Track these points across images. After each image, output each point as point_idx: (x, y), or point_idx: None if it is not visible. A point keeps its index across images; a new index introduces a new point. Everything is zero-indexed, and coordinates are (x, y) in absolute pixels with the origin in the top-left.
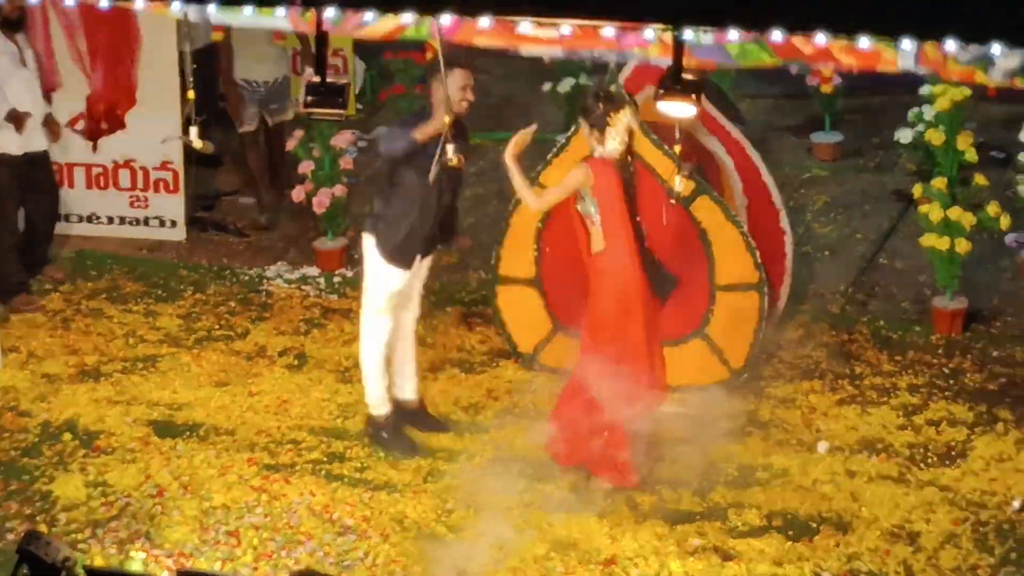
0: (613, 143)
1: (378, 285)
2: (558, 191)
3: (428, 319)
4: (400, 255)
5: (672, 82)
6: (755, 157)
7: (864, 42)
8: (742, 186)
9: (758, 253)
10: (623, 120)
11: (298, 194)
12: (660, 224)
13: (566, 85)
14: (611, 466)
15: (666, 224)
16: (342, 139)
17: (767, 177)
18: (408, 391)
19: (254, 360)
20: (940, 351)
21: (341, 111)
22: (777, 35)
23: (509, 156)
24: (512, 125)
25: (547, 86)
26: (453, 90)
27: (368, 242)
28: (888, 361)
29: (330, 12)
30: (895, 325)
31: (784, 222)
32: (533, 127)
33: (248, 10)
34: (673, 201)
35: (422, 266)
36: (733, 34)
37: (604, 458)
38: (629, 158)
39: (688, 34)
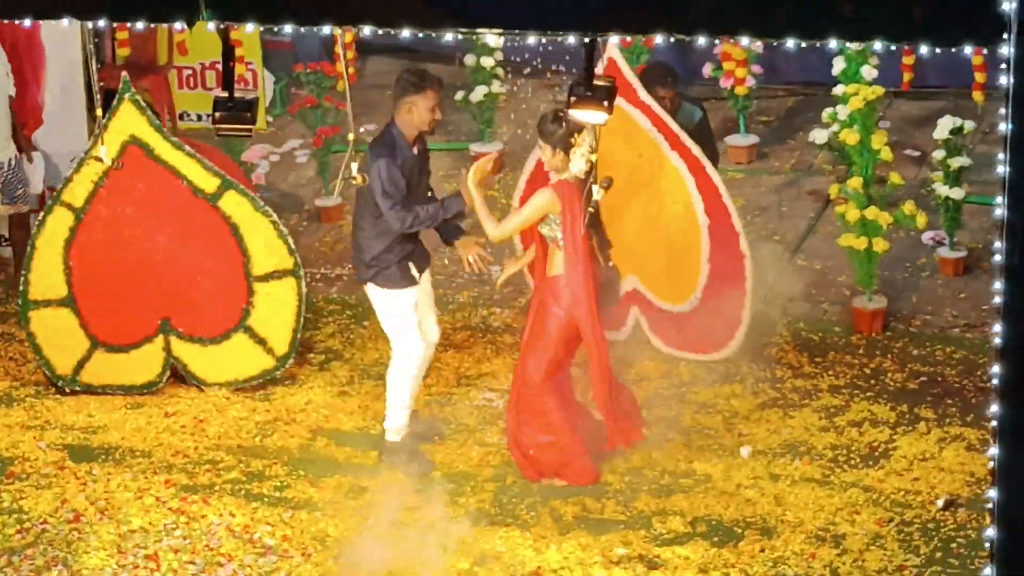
0: (578, 164)
1: (398, 319)
2: (520, 219)
3: (346, 333)
4: (403, 276)
5: (584, 88)
6: (715, 178)
7: (790, 43)
8: (703, 206)
9: (290, 239)
10: (587, 139)
11: None
12: (185, 224)
13: (478, 94)
14: (574, 470)
15: (192, 222)
16: (253, 154)
17: (727, 199)
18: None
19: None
20: (860, 351)
21: (251, 126)
22: (700, 40)
23: (471, 183)
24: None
25: (459, 95)
26: (423, 111)
27: (373, 292)
28: (809, 363)
29: (248, 27)
30: (815, 326)
31: (744, 245)
32: (494, 155)
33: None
34: (591, 210)
35: (425, 280)
36: (658, 39)
37: (564, 465)
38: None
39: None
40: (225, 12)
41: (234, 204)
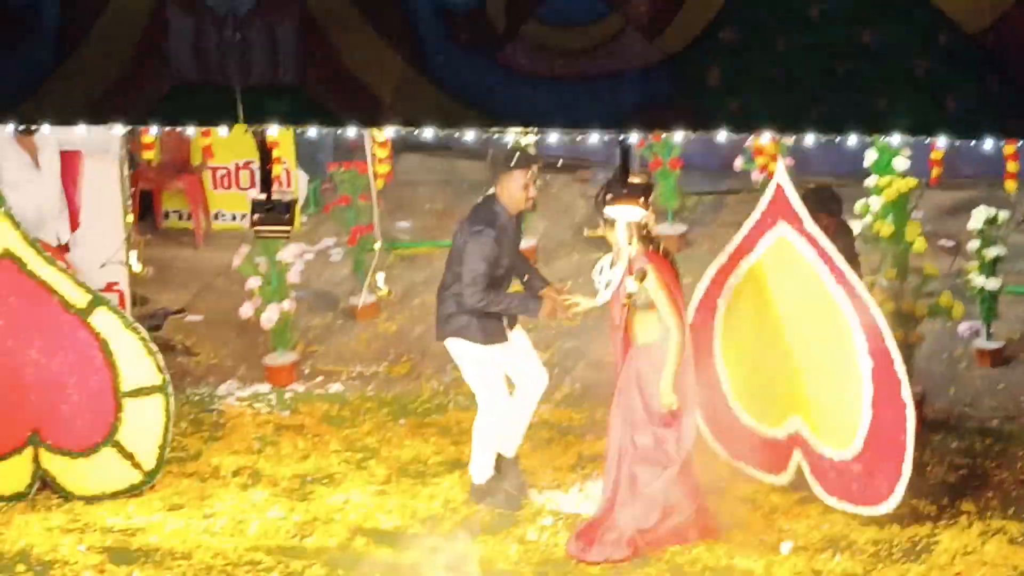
0: (620, 232)
1: (485, 375)
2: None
3: (382, 431)
4: (484, 331)
5: (620, 186)
6: (879, 318)
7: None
8: (867, 347)
9: (160, 356)
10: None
11: (246, 311)
12: (56, 339)
13: None
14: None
15: (63, 337)
16: (289, 253)
17: (891, 342)
18: (510, 449)
19: (208, 481)
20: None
21: (288, 227)
22: (722, 135)
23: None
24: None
25: (492, 191)
26: (515, 189)
27: (455, 346)
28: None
29: (273, 129)
30: None
31: (906, 393)
32: (565, 297)
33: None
34: (625, 300)
35: (518, 334)
36: (678, 136)
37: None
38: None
39: (633, 138)
40: (257, 116)
41: (105, 319)
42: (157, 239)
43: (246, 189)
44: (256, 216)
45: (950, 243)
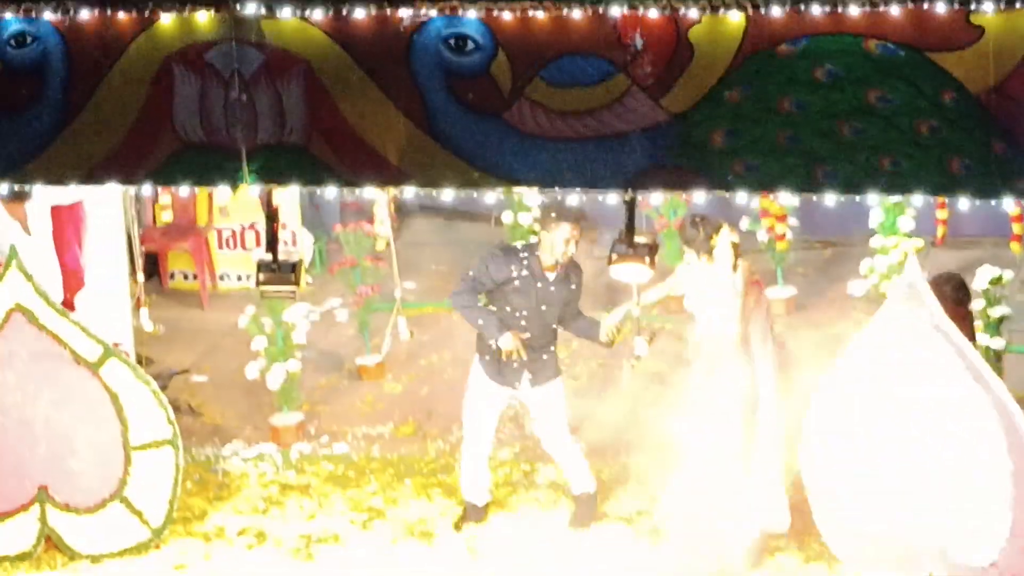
0: (722, 261)
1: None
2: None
3: (388, 491)
4: (482, 368)
5: (626, 246)
6: (1017, 415)
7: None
8: (1006, 445)
9: (170, 410)
10: (724, 237)
11: (251, 371)
12: (65, 392)
13: None
14: None
15: (73, 390)
16: (294, 313)
17: None
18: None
19: (213, 541)
20: None
21: (294, 287)
22: (742, 196)
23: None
24: None
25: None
26: (558, 241)
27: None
28: None
29: (292, 190)
30: None
31: None
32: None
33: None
34: (633, 362)
35: (533, 395)
36: (699, 195)
37: None
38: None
39: (655, 199)
40: (267, 175)
41: (116, 372)
42: (162, 300)
43: (250, 250)
44: (262, 276)
45: None
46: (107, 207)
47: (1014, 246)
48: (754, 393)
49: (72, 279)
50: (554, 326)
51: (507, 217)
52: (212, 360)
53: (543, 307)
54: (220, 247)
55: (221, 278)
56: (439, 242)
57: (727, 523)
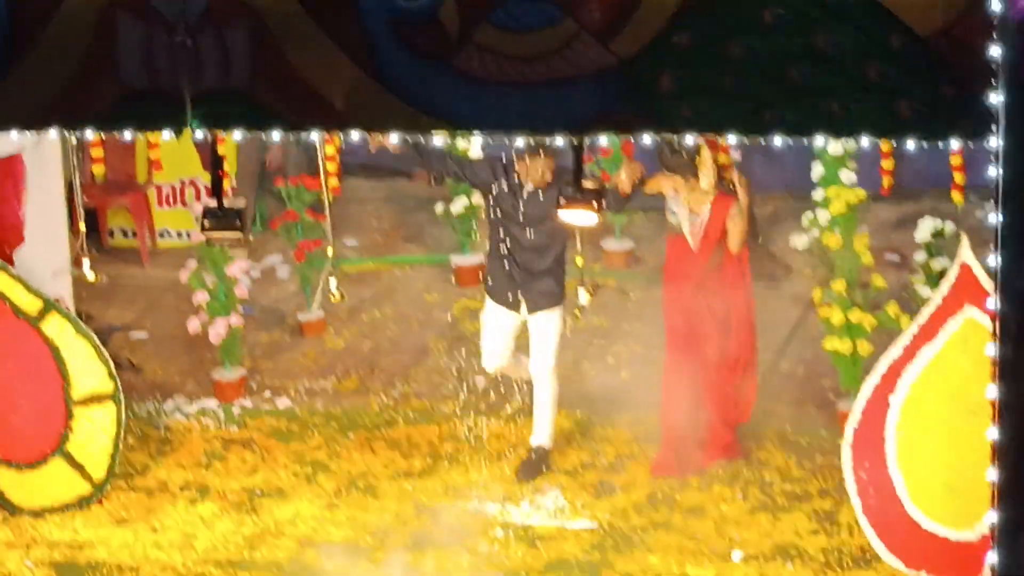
0: (706, 180)
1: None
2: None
3: (332, 444)
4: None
5: (574, 190)
6: None
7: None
8: None
9: (111, 364)
10: (707, 157)
11: (193, 325)
12: (5, 346)
13: (459, 206)
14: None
15: (13, 344)
16: (236, 268)
17: None
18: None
19: (155, 496)
20: None
21: (239, 233)
22: (689, 139)
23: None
24: (404, 249)
25: (439, 208)
26: (525, 170)
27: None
28: (797, 466)
29: (236, 135)
30: (802, 430)
31: None
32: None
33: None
34: (576, 312)
35: (539, 320)
36: (645, 138)
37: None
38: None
39: (602, 141)
40: (212, 121)
41: (57, 326)
42: (102, 257)
43: (190, 206)
44: (207, 222)
45: (895, 257)
46: (47, 160)
47: (955, 195)
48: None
49: (11, 233)
50: (551, 253)
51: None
52: (152, 316)
53: (529, 228)
54: (160, 204)
55: (161, 235)
56: (380, 198)
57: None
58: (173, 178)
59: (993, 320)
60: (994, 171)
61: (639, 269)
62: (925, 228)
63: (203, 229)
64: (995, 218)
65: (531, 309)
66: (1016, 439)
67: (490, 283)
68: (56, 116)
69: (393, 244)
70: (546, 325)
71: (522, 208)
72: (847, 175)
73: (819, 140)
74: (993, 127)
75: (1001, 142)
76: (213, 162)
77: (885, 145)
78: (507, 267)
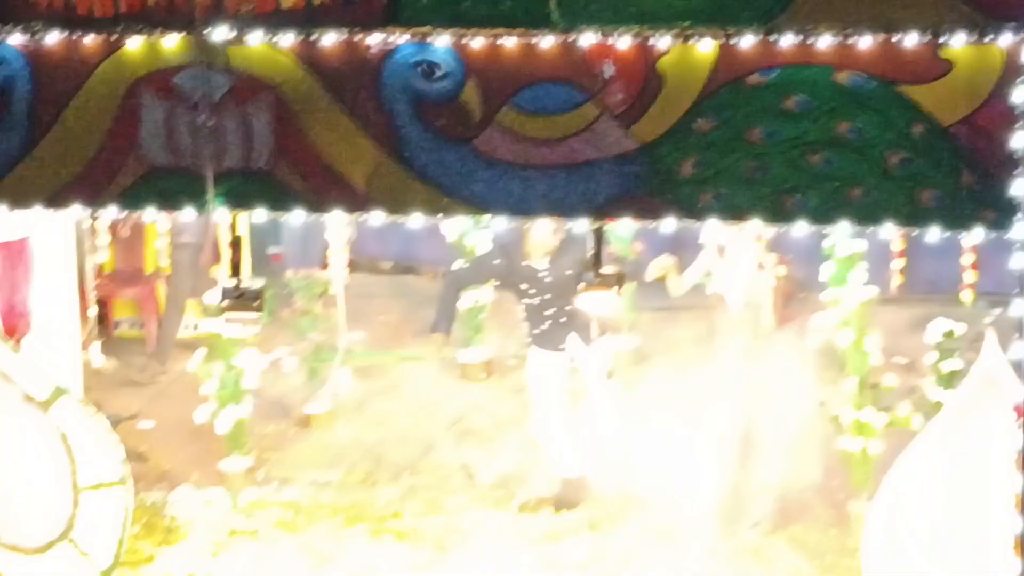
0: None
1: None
2: None
3: (337, 537)
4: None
5: (593, 274)
6: None
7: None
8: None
9: (122, 450)
10: None
11: (201, 415)
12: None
13: (467, 301)
14: None
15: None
16: (245, 359)
17: None
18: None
19: None
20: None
21: (258, 314)
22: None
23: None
24: (410, 344)
25: None
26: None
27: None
28: (807, 566)
29: (258, 214)
30: (811, 530)
31: None
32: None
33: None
34: None
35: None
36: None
37: None
38: None
39: (625, 226)
40: (234, 200)
41: (66, 411)
42: (108, 347)
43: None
44: (225, 302)
45: (903, 360)
46: (58, 244)
47: (967, 296)
48: None
49: (19, 321)
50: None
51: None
52: (159, 406)
53: (550, 289)
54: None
55: None
56: (387, 294)
57: None
58: None
59: (1019, 414)
60: (1019, 261)
61: (646, 367)
62: (936, 329)
63: (221, 311)
64: (1020, 308)
65: (584, 341)
66: None
67: (536, 334)
68: (78, 194)
69: (400, 339)
70: (598, 352)
71: (535, 272)
72: (857, 276)
73: (841, 228)
74: (1020, 215)
75: None
76: (233, 242)
77: (896, 244)
78: (545, 323)
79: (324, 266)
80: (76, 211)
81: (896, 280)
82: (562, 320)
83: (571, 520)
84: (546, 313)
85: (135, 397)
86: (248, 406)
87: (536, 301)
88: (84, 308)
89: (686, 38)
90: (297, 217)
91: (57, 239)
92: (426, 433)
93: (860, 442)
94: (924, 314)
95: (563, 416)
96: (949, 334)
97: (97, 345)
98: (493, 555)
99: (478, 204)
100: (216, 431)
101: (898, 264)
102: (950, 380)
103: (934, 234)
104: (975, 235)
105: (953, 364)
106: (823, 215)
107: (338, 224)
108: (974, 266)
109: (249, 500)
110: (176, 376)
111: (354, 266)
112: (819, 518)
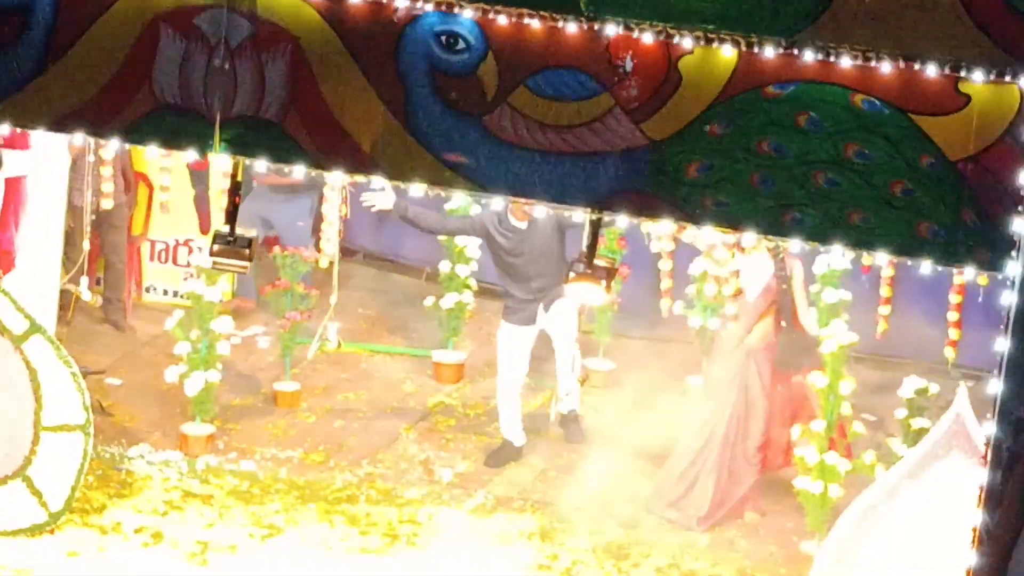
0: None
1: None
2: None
3: (291, 511)
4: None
5: (585, 265)
6: None
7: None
8: None
9: (87, 395)
10: None
11: (171, 375)
12: None
13: (449, 302)
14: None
15: None
16: (223, 325)
17: None
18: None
19: (109, 535)
20: None
21: (247, 263)
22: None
23: None
24: (388, 339)
25: (429, 301)
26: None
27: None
28: None
29: (260, 164)
30: (761, 569)
31: None
32: None
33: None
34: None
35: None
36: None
37: None
38: None
39: (621, 221)
40: (238, 147)
41: (39, 349)
42: (86, 303)
43: (182, 266)
44: (216, 247)
45: (872, 417)
46: (50, 188)
47: (949, 351)
48: None
49: (4, 258)
50: (550, 259)
51: (444, 266)
52: (128, 365)
53: (529, 254)
54: (152, 259)
55: (147, 290)
56: (369, 288)
57: None
58: (168, 235)
59: (986, 446)
60: (1009, 298)
61: (619, 392)
62: (910, 385)
63: (211, 253)
64: (1003, 344)
65: (547, 308)
66: (997, 566)
67: (509, 309)
68: (84, 121)
69: (376, 333)
70: (567, 309)
71: (517, 234)
72: (839, 324)
73: (835, 248)
74: (1013, 253)
75: (1021, 269)
76: (232, 188)
77: (886, 290)
78: (517, 291)
79: (317, 246)
80: (79, 138)
81: (881, 326)
82: (536, 287)
83: (522, 525)
84: (523, 273)
85: (105, 354)
86: (218, 373)
87: (513, 261)
88: (79, 241)
89: (709, 41)
90: (298, 171)
91: (53, 181)
92: (390, 426)
93: (820, 485)
94: (898, 377)
95: (518, 386)
96: (922, 391)
97: (85, 280)
98: (441, 550)
99: (479, 181)
100: (186, 392)
101: (884, 310)
102: (917, 438)
103: (926, 267)
104: (967, 274)
105: (922, 422)
106: (819, 234)
107: (334, 202)
108: (958, 324)
109: (206, 465)
110: (149, 338)
111: (342, 253)
112: (771, 557)
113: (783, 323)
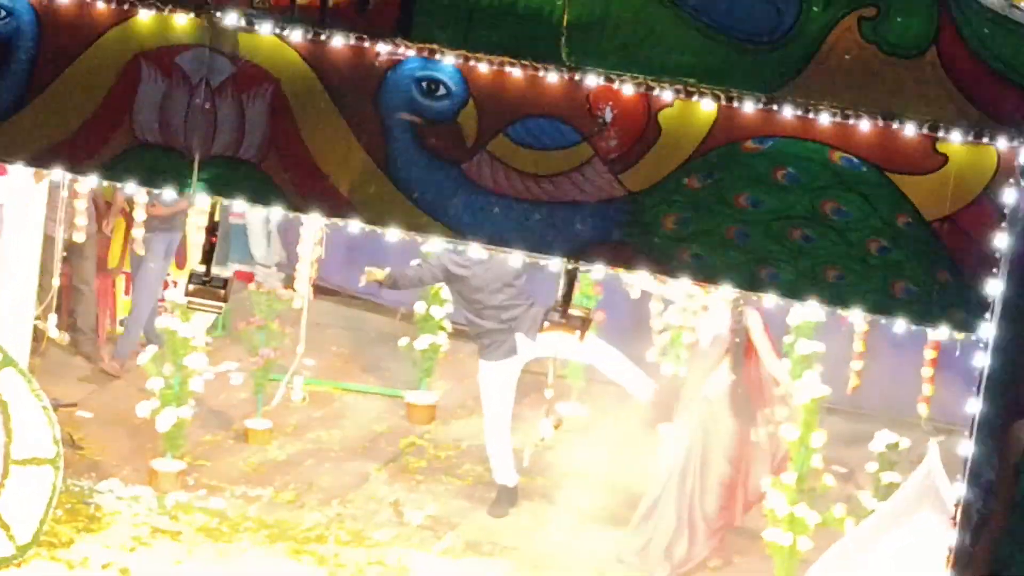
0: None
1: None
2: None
3: (259, 551)
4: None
5: (560, 315)
6: None
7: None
8: None
9: (58, 429)
10: None
11: (142, 410)
12: None
13: (424, 343)
14: None
15: None
16: (196, 362)
17: None
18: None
19: (76, 570)
20: None
21: (222, 304)
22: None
23: None
24: (360, 378)
25: (403, 342)
26: None
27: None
28: None
29: (237, 205)
30: None
31: None
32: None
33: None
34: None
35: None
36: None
37: None
38: None
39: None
40: (216, 187)
41: (10, 381)
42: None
43: (159, 301)
44: (192, 287)
45: (842, 470)
46: (26, 217)
47: (922, 407)
48: None
49: None
50: (514, 285)
51: (420, 307)
52: (100, 399)
53: (493, 283)
54: (126, 293)
55: (121, 323)
56: (342, 326)
57: None
58: None
59: (956, 507)
60: (982, 360)
61: (589, 438)
62: (881, 439)
63: (187, 293)
64: (975, 406)
65: (530, 334)
66: None
67: (485, 345)
68: (63, 157)
69: (349, 371)
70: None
71: (477, 269)
72: (812, 375)
73: (810, 304)
74: (987, 315)
75: (995, 331)
76: (209, 228)
77: (859, 345)
78: (490, 324)
79: (289, 286)
80: (57, 174)
81: (853, 381)
82: (506, 317)
83: (491, 569)
84: (490, 304)
85: (77, 388)
86: (190, 409)
87: (478, 297)
88: (51, 276)
89: (689, 94)
90: (276, 213)
91: (29, 211)
92: (361, 466)
93: (790, 537)
94: (870, 429)
95: (507, 425)
96: (893, 446)
97: (53, 317)
98: None
99: (456, 228)
100: (157, 428)
101: (857, 365)
102: (887, 492)
103: (900, 326)
104: (940, 334)
105: (892, 476)
106: (794, 290)
107: (309, 240)
108: (931, 380)
109: (176, 502)
110: (120, 374)
111: (317, 291)
112: None
113: (734, 375)
